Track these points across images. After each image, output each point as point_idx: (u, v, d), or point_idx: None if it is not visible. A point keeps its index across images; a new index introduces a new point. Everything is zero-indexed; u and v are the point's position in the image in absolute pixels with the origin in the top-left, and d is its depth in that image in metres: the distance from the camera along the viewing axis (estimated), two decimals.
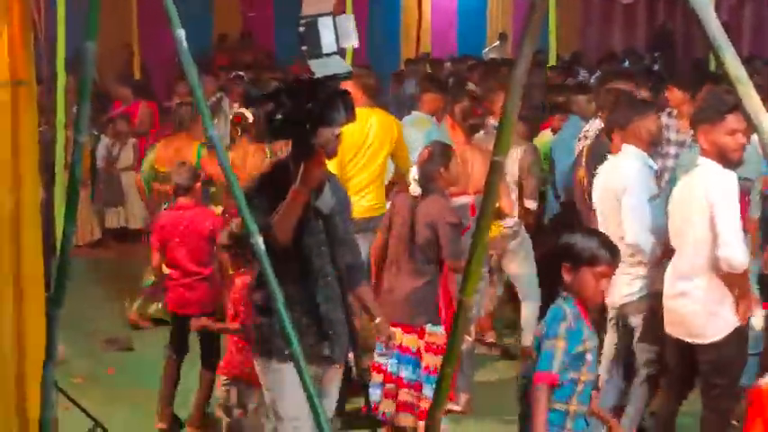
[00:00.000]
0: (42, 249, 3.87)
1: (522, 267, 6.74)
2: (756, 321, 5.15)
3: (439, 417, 2.25)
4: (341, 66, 3.68)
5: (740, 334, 4.83)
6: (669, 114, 7.31)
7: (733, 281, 4.73)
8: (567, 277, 3.91)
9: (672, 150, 7.09)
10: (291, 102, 3.69)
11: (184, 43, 2.66)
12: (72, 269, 3.38)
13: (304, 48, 3.54)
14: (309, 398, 2.49)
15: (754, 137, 6.18)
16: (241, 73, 12.51)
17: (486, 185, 2.12)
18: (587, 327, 3.90)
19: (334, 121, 3.72)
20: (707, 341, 4.80)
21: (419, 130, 7.06)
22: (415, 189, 5.39)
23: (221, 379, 5.27)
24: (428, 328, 5.31)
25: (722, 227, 4.63)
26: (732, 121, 4.69)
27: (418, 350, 5.28)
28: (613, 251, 3.93)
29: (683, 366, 5.05)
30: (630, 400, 5.53)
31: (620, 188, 5.38)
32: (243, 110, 7.02)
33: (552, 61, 10.49)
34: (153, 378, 5.79)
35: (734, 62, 1.59)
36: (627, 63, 15.73)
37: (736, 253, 4.62)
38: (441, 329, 5.32)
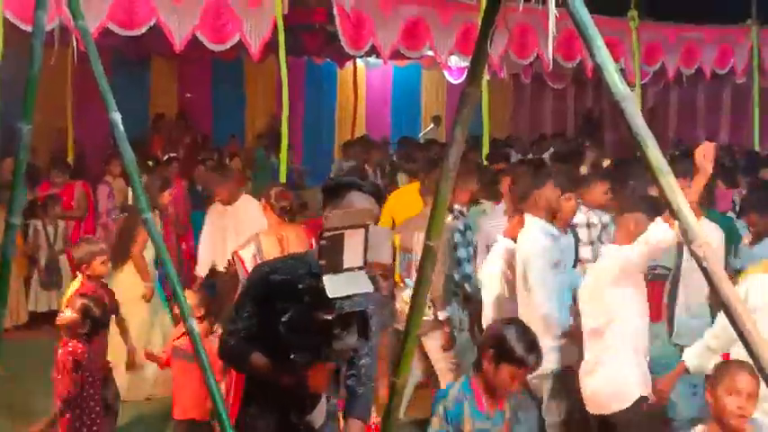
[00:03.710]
0: None
1: (436, 345, 6.73)
2: None
3: None
4: (361, 284, 3.27)
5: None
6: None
7: None
8: (485, 363, 4.02)
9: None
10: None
11: (120, 127, 2.67)
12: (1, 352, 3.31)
13: (322, 262, 3.21)
14: None
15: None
16: (175, 154, 12.52)
17: (420, 270, 2.15)
18: (477, 407, 4.02)
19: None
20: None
21: None
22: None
23: None
24: None
25: None
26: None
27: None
28: (538, 356, 4.05)
29: None
30: None
31: (524, 260, 5.57)
32: None
33: (486, 145, 10.71)
34: None
35: (656, 154, 1.66)
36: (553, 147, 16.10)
37: None
38: None
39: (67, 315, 5.37)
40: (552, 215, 5.81)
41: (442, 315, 6.56)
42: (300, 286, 3.41)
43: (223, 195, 8.44)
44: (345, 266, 3.23)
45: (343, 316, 3.36)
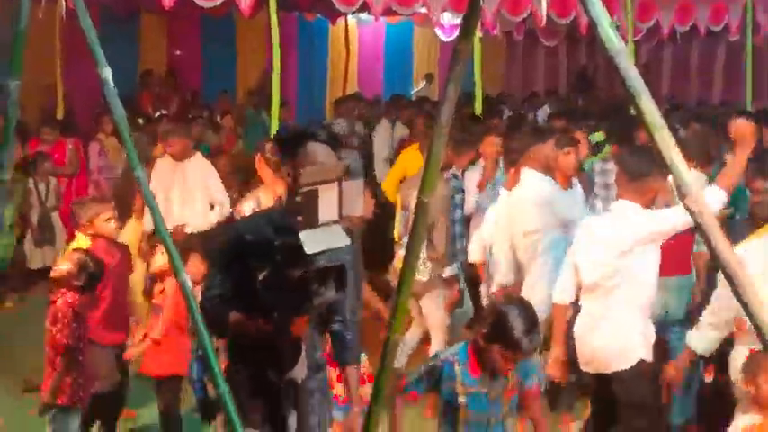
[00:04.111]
0: None
1: (432, 305, 6.80)
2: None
3: None
4: (336, 238, 3.31)
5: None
6: (604, 160, 7.52)
7: None
8: (480, 339, 3.99)
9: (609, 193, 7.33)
10: None
11: (110, 83, 2.64)
12: None
13: (298, 219, 3.24)
14: None
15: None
16: (165, 112, 12.44)
17: (412, 227, 2.14)
18: (468, 372, 4.03)
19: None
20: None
21: None
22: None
23: None
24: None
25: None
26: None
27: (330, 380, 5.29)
28: (534, 340, 4.00)
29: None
30: None
31: (521, 209, 5.63)
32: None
33: (478, 102, 10.67)
34: None
35: (650, 108, 1.64)
36: (547, 104, 16.10)
37: None
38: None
39: (63, 267, 5.35)
40: (551, 172, 5.88)
41: (447, 272, 6.62)
42: (276, 243, 3.42)
43: (175, 150, 7.93)
44: (321, 221, 3.25)
45: (320, 271, 3.38)
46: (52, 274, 5.43)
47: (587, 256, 5.03)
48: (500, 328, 3.92)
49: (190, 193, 7.85)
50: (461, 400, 4.03)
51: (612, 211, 5.07)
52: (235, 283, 3.67)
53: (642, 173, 4.90)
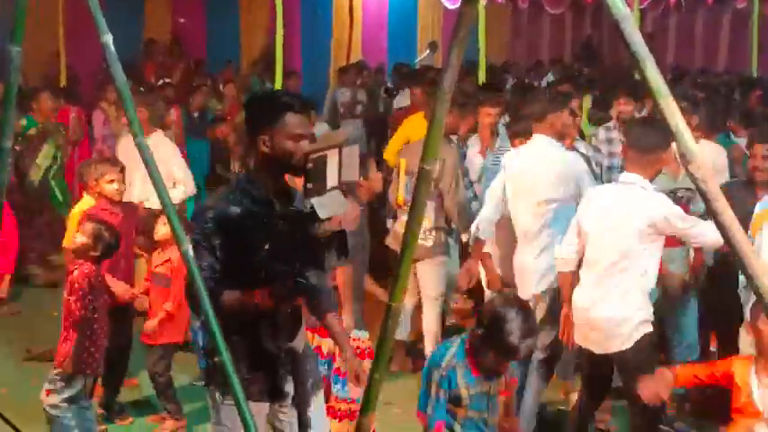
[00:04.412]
0: None
1: (431, 270, 6.79)
2: None
3: (367, 424, 2.26)
4: (339, 204, 3.38)
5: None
6: (607, 129, 7.49)
7: None
8: (474, 339, 4.00)
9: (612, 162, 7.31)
10: None
11: (112, 48, 2.62)
12: None
13: (309, 185, 3.27)
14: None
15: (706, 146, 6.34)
16: (169, 80, 12.39)
17: (415, 194, 2.14)
18: (470, 373, 4.01)
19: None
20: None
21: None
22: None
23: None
24: None
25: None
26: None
27: (331, 352, 5.33)
28: (530, 346, 4.02)
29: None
30: (527, 386, 5.71)
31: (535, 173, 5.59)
32: None
33: (482, 70, 10.62)
34: None
35: (655, 75, 1.63)
36: (551, 73, 16.04)
37: None
38: (360, 333, 5.42)
39: (78, 240, 5.35)
40: (562, 140, 5.86)
41: (465, 238, 6.62)
42: (278, 212, 3.48)
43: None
44: (328, 188, 3.28)
45: (327, 237, 3.43)
46: (66, 244, 5.43)
47: (595, 229, 4.98)
48: (497, 332, 3.91)
49: (144, 176, 7.57)
50: (465, 402, 4.03)
51: (622, 186, 5.00)
52: (226, 263, 3.57)
53: (653, 145, 4.85)
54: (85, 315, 5.23)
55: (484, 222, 5.91)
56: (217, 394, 3.79)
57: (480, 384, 4.05)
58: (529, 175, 5.67)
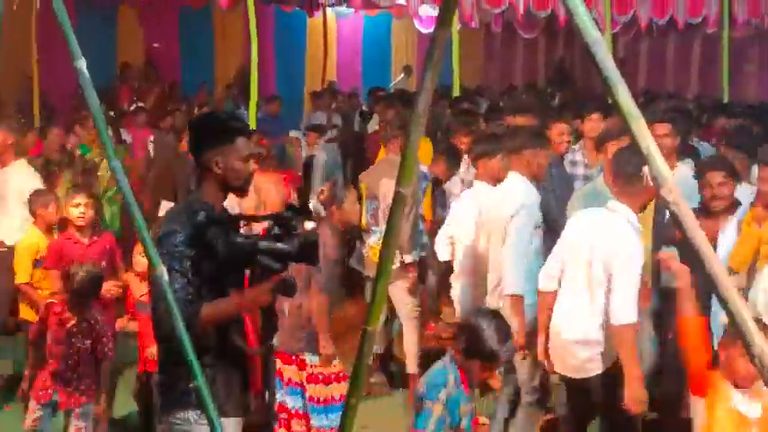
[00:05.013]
0: None
1: (401, 294, 6.77)
2: None
3: None
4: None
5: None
6: (572, 151, 7.49)
7: None
8: (456, 354, 4.10)
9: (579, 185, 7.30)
10: None
11: (86, 73, 2.63)
12: None
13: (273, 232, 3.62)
14: None
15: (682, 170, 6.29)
16: (142, 104, 12.35)
17: (390, 218, 2.14)
18: (464, 393, 4.10)
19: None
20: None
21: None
22: (308, 223, 5.52)
23: None
24: (308, 358, 5.38)
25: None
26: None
27: (301, 382, 5.34)
28: (509, 349, 4.22)
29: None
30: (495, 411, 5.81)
31: (509, 213, 5.51)
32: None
33: (456, 94, 10.66)
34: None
35: (626, 98, 1.65)
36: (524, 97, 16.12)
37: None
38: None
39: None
40: (535, 180, 5.72)
41: (408, 258, 6.55)
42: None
43: None
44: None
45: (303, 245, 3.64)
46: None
47: (571, 255, 4.93)
48: (476, 342, 4.05)
49: (6, 205, 7.06)
50: (464, 422, 4.08)
51: (608, 214, 4.83)
52: (201, 283, 3.59)
53: (639, 173, 4.68)
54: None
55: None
56: (191, 414, 3.70)
57: (470, 402, 4.14)
58: (495, 211, 5.60)
